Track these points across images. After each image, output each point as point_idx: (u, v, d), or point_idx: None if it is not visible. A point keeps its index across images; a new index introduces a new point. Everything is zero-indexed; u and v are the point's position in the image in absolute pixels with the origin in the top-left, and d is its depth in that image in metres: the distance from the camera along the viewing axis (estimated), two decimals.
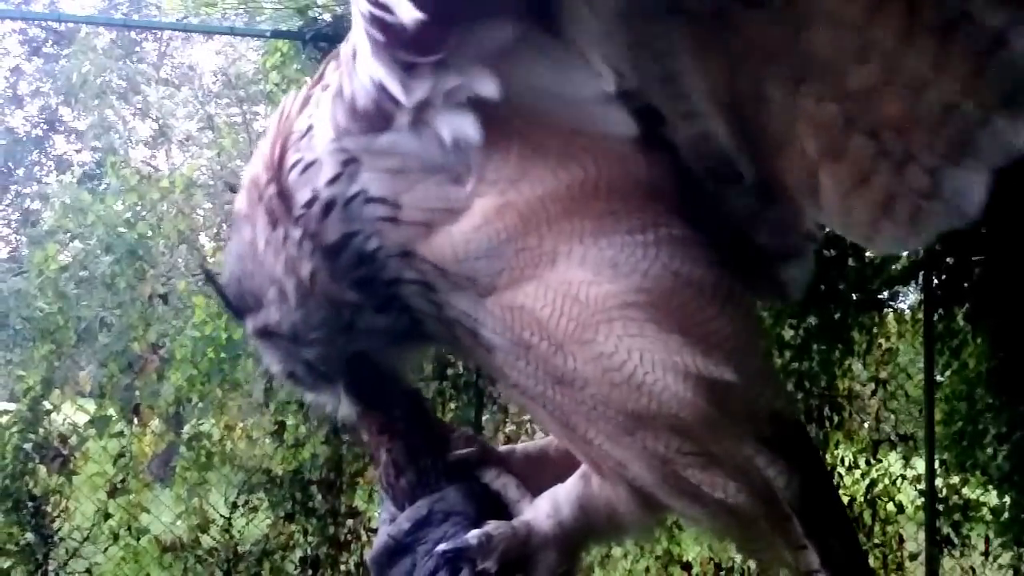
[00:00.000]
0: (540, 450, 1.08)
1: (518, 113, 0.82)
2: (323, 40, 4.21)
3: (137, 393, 3.95)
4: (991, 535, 4.36)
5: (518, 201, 0.82)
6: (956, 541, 4.33)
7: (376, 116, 0.84)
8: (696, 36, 0.80)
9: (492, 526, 0.90)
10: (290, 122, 0.92)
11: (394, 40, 0.77)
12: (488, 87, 0.79)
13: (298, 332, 0.97)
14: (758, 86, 0.81)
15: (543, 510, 0.93)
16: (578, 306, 0.80)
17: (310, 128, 0.90)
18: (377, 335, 0.96)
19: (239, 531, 3.87)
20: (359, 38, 0.81)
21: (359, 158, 0.86)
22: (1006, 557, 4.37)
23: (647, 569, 4.19)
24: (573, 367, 0.82)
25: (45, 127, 13.01)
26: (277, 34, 4.18)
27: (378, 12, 0.76)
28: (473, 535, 0.89)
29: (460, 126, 0.81)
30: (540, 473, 1.01)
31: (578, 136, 0.83)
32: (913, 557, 4.32)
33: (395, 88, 0.80)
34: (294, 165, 0.90)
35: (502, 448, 1.09)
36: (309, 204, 0.89)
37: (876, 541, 4.34)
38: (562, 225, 0.81)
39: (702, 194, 0.87)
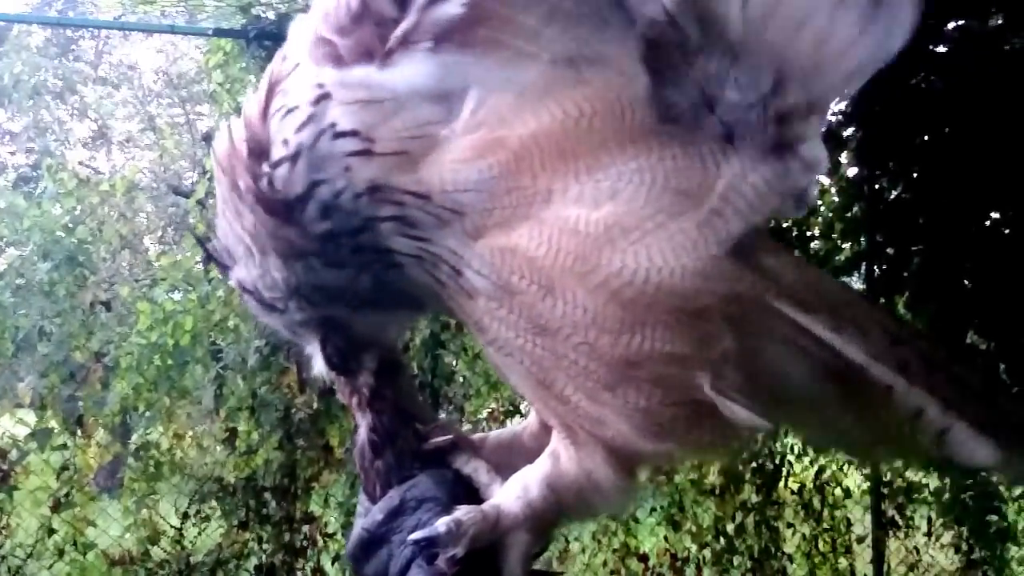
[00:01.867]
0: (512, 436, 1.08)
1: (512, 43, 0.81)
2: (267, 38, 4.14)
3: (80, 404, 3.84)
4: (933, 516, 4.51)
5: (510, 138, 0.81)
6: (901, 523, 4.46)
7: (358, 44, 0.82)
8: None
9: (462, 511, 0.89)
10: (280, 64, 0.90)
11: None
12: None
13: (260, 290, 0.96)
14: None
15: (512, 492, 0.92)
16: (577, 238, 0.79)
17: (295, 67, 0.88)
18: (339, 297, 0.94)
19: (191, 541, 3.79)
20: None
21: (331, 93, 0.84)
22: (948, 536, 4.53)
23: (604, 563, 4.23)
24: (561, 312, 0.80)
25: None
26: (220, 32, 4.10)
27: None
28: (442, 522, 0.88)
29: (451, 59, 0.80)
30: (512, 459, 1.01)
31: (572, 68, 0.82)
32: (861, 540, 4.44)
33: (384, 6, 0.79)
34: (277, 111, 0.87)
35: (474, 436, 1.08)
36: (281, 159, 0.86)
37: (825, 525, 4.45)
38: (556, 164, 0.80)
39: (682, 84, 0.85)
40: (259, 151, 0.88)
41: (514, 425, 1.11)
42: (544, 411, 0.91)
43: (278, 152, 0.87)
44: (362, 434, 1.01)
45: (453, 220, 0.83)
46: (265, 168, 0.88)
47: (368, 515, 0.95)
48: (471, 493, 0.97)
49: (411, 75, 0.83)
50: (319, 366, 1.03)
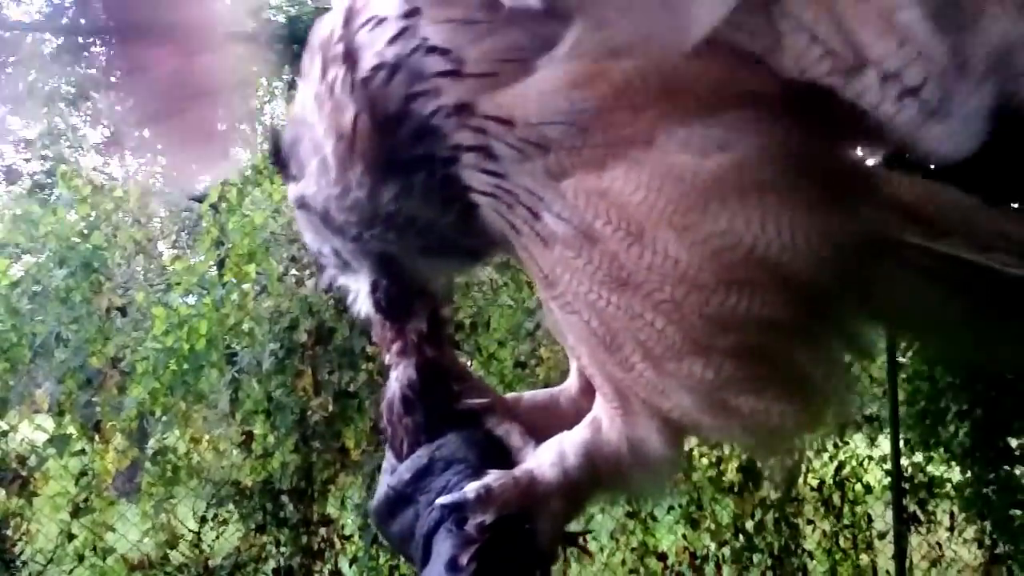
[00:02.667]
0: (549, 398, 1.04)
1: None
2: (277, 42, 4.14)
3: (97, 409, 3.85)
4: (956, 510, 4.47)
5: (614, 71, 0.75)
6: (922, 518, 4.43)
7: None
8: None
9: (492, 477, 0.86)
10: None
11: None
12: None
13: (330, 211, 0.91)
14: None
15: (547, 458, 0.88)
16: (681, 187, 0.73)
17: None
18: (415, 234, 0.90)
19: (209, 545, 3.80)
20: None
21: (420, 8, 0.80)
22: (970, 531, 4.48)
23: (623, 561, 4.20)
24: (649, 264, 0.75)
25: None
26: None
27: None
28: (471, 488, 0.85)
29: None
30: (548, 422, 0.97)
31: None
32: (882, 536, 4.40)
33: None
34: (365, 23, 0.84)
35: (509, 396, 1.05)
36: (375, 67, 0.82)
37: (846, 522, 4.42)
38: (662, 103, 0.74)
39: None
40: (351, 56, 0.84)
41: (551, 388, 1.07)
42: (600, 376, 0.85)
43: (369, 61, 0.83)
44: (394, 388, 0.97)
45: (536, 156, 0.78)
46: (359, 75, 0.83)
47: (395, 473, 0.92)
48: (502, 455, 0.93)
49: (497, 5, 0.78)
50: (364, 306, 0.98)
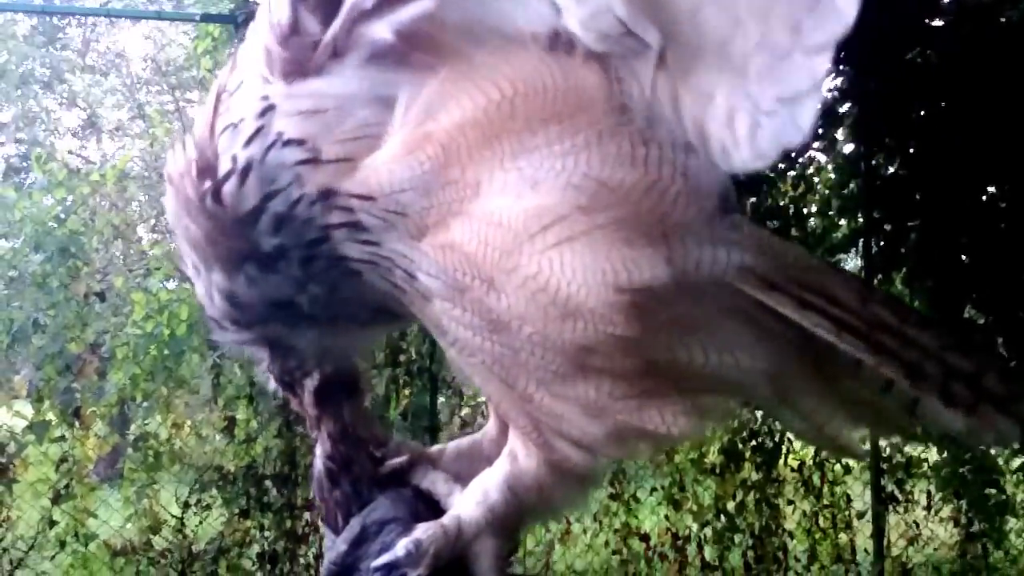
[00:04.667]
0: (471, 444, 1.07)
1: (445, 37, 0.80)
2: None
3: (77, 396, 3.82)
4: (932, 490, 4.53)
5: (437, 131, 0.80)
6: (900, 497, 4.48)
7: (294, 57, 0.83)
8: None
9: (420, 530, 0.88)
10: (223, 82, 0.90)
11: None
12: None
13: (205, 305, 0.96)
14: None
15: (472, 498, 0.91)
16: (501, 232, 0.78)
17: (240, 84, 0.88)
18: (279, 313, 0.93)
19: (192, 530, 3.79)
20: None
21: (275, 104, 0.84)
22: (947, 510, 4.56)
23: (606, 543, 4.24)
24: (507, 305, 0.79)
25: None
26: (207, 18, 4.04)
27: None
28: (401, 545, 0.87)
29: (383, 71, 0.80)
30: (473, 467, 1.00)
31: (496, 51, 0.80)
32: (861, 515, 4.46)
33: (310, 23, 0.80)
34: (224, 130, 0.87)
35: (432, 448, 1.08)
36: (228, 175, 0.86)
37: (825, 502, 4.47)
38: (482, 152, 0.79)
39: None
40: (206, 167, 0.88)
41: (473, 434, 1.10)
42: (509, 410, 0.89)
43: (225, 166, 0.86)
44: (318, 464, 1.00)
45: (398, 221, 0.82)
46: (208, 184, 0.87)
47: (333, 548, 0.94)
48: (433, 506, 0.96)
49: (345, 84, 0.83)
50: (271, 384, 1.03)
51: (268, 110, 0.85)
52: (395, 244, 0.84)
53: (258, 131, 0.85)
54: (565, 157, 0.77)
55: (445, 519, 0.90)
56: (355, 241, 0.86)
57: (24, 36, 11.05)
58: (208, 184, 0.87)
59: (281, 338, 0.97)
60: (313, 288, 0.91)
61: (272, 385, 1.03)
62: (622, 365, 0.80)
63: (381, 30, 0.80)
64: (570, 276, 0.76)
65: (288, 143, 0.84)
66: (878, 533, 4.28)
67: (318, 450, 1.01)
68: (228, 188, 0.86)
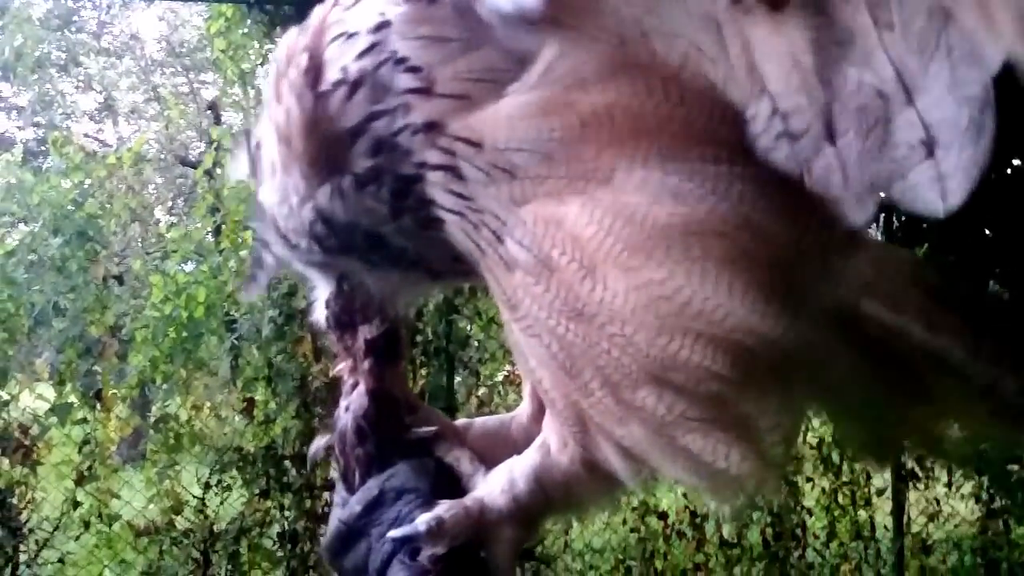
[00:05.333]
0: (499, 424, 1.04)
1: (616, 19, 0.74)
2: (268, 2, 4.05)
3: (98, 378, 3.86)
4: (953, 466, 4.50)
5: (583, 103, 0.74)
6: (920, 474, 4.46)
7: None
8: None
9: (443, 508, 0.86)
10: None
11: None
12: None
13: (276, 218, 0.90)
14: None
15: (497, 484, 0.89)
16: (631, 228, 0.73)
17: None
18: (357, 244, 0.89)
19: (214, 511, 3.83)
20: None
21: (392, 22, 0.79)
22: (968, 486, 4.52)
23: (624, 521, 4.25)
24: (600, 298, 0.75)
25: None
26: None
27: None
28: (422, 520, 0.85)
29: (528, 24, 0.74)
30: (498, 448, 0.98)
31: (671, 63, 0.75)
32: (880, 492, 4.44)
33: None
34: (336, 37, 0.82)
35: (459, 421, 1.05)
36: (338, 83, 0.81)
37: (845, 479, 4.45)
38: (625, 143, 0.74)
39: None
40: (315, 69, 0.83)
41: (502, 414, 1.08)
42: (558, 399, 0.85)
43: (333, 75, 0.81)
44: (346, 418, 0.97)
45: (502, 180, 0.77)
46: (315, 87, 0.82)
47: (346, 507, 0.92)
48: (453, 483, 0.94)
49: (473, 21, 0.77)
50: (320, 315, 0.98)
51: (384, 26, 0.80)
52: (490, 202, 0.79)
53: (372, 46, 0.80)
54: (718, 180, 0.73)
55: (468, 500, 0.88)
56: (447, 188, 0.81)
57: (40, 19, 11.07)
58: (315, 86, 0.82)
59: (354, 272, 0.93)
60: (404, 222, 0.86)
61: (318, 317, 0.98)
62: (700, 396, 0.76)
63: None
64: (708, 292, 0.73)
65: (402, 64, 0.79)
66: (898, 510, 4.26)
67: (345, 403, 0.97)
68: (335, 99, 0.81)
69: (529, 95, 0.76)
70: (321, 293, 0.98)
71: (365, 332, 0.97)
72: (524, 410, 1.03)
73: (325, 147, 0.83)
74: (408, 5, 0.79)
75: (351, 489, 0.95)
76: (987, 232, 4.15)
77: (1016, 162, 4.11)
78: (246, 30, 4.33)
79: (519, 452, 0.91)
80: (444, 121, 0.78)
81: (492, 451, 0.97)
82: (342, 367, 1.00)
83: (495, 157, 0.77)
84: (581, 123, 0.75)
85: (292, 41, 0.87)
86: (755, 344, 0.74)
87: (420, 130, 0.79)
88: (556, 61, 0.76)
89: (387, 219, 0.86)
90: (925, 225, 4.26)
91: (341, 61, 0.81)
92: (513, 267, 0.80)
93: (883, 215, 4.29)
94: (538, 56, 0.76)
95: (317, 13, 0.87)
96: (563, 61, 0.75)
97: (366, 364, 0.97)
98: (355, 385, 0.98)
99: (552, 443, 0.87)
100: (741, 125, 0.74)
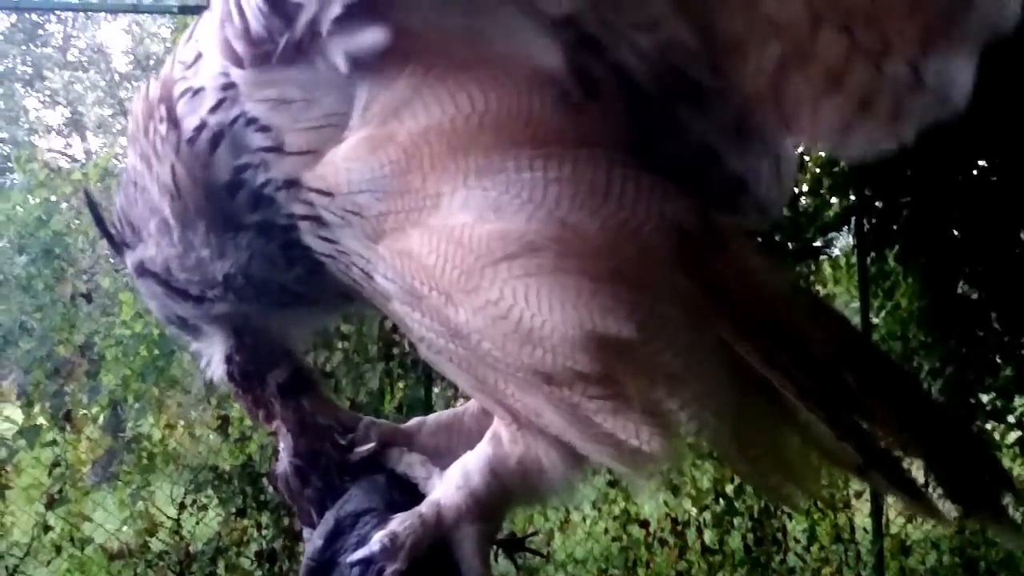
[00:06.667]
0: (453, 417, 1.03)
1: (420, 38, 0.76)
2: None
3: (67, 399, 3.77)
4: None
5: (399, 134, 0.76)
6: None
7: (261, 42, 0.78)
8: None
9: (396, 521, 0.85)
10: (180, 51, 0.87)
11: None
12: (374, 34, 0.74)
13: (171, 272, 0.91)
14: None
15: (452, 482, 0.88)
16: (462, 252, 0.74)
17: (198, 56, 0.84)
18: (258, 292, 0.90)
19: (189, 531, 3.76)
20: None
21: (237, 84, 0.81)
22: None
23: (606, 530, 4.24)
24: (465, 319, 0.76)
25: None
26: (185, 9, 3.96)
27: None
28: (376, 539, 0.83)
29: (354, 47, 0.75)
30: (453, 442, 0.97)
31: (478, 64, 0.75)
32: (859, 495, 4.47)
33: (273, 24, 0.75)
34: (183, 93, 0.84)
35: (411, 422, 1.03)
36: (198, 130, 0.83)
37: (823, 482, 4.48)
38: (446, 164, 0.75)
39: (658, 122, 0.79)
40: (174, 121, 0.84)
41: (455, 407, 1.06)
42: (483, 401, 0.87)
43: (191, 124, 0.83)
44: (283, 463, 0.95)
45: (355, 223, 0.79)
46: (184, 137, 0.84)
47: (309, 544, 0.91)
48: (411, 490, 0.92)
49: (313, 74, 0.79)
50: (217, 373, 0.97)
51: (230, 86, 0.81)
52: (352, 243, 0.81)
53: (221, 102, 0.81)
54: (533, 187, 0.73)
55: (423, 507, 0.87)
56: (317, 235, 0.83)
57: (4, 33, 10.90)
58: (182, 136, 0.84)
59: (255, 318, 0.93)
60: (297, 270, 0.89)
61: (216, 377, 0.97)
62: (587, 388, 0.76)
63: (336, 53, 0.76)
64: (535, 310, 0.73)
65: (254, 124, 0.81)
66: (876, 512, 4.28)
67: (281, 449, 0.96)
68: (200, 147, 0.83)
69: (356, 136, 0.78)
70: (216, 351, 0.97)
71: (275, 376, 0.96)
72: (475, 402, 1.02)
73: (215, 200, 0.85)
74: (250, 69, 0.80)
75: (313, 527, 0.93)
76: (956, 233, 4.21)
77: (982, 163, 4.18)
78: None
79: (474, 443, 0.90)
80: (299, 176, 0.81)
81: (448, 445, 0.97)
82: (276, 424, 0.98)
83: (343, 202, 0.79)
84: (404, 154, 0.76)
85: (149, 94, 0.88)
86: (610, 342, 0.73)
87: (282, 186, 0.82)
88: (370, 98, 0.77)
89: (285, 268, 0.89)
90: (895, 227, 4.31)
91: (197, 114, 0.83)
92: (388, 298, 0.82)
93: (854, 218, 4.34)
94: (357, 96, 0.78)
95: (163, 70, 0.89)
96: (375, 96, 0.77)
97: (281, 407, 0.96)
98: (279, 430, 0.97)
99: (503, 433, 0.86)
100: (561, 110, 0.74)
